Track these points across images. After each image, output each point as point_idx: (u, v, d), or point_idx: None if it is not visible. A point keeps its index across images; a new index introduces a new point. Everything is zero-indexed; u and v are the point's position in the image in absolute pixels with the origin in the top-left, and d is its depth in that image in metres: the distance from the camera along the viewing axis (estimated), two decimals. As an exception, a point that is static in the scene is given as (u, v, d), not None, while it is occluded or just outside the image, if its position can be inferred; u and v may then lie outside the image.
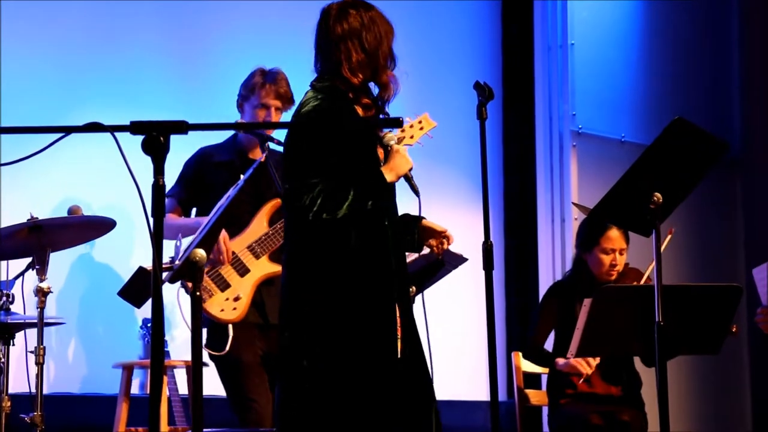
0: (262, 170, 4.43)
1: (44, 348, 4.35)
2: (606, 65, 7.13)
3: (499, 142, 7.14)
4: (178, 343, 5.83)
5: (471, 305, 6.55)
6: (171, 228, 4.72)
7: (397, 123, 2.92)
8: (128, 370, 5.54)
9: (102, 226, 4.61)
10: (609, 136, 7.07)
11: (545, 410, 5.81)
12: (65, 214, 5.06)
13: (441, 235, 3.91)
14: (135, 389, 5.69)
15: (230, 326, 4.57)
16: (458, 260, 4.44)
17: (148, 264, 4.27)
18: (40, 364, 4.34)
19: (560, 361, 5.10)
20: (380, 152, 3.77)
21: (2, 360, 4.41)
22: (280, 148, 4.21)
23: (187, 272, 3.21)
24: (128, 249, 5.90)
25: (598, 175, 6.67)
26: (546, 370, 5.30)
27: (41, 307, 4.33)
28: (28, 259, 4.54)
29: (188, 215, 4.92)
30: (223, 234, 4.54)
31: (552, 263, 6.87)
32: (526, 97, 7.14)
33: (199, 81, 6.25)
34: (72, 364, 5.91)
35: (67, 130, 2.63)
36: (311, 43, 3.84)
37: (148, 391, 2.68)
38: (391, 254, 3.69)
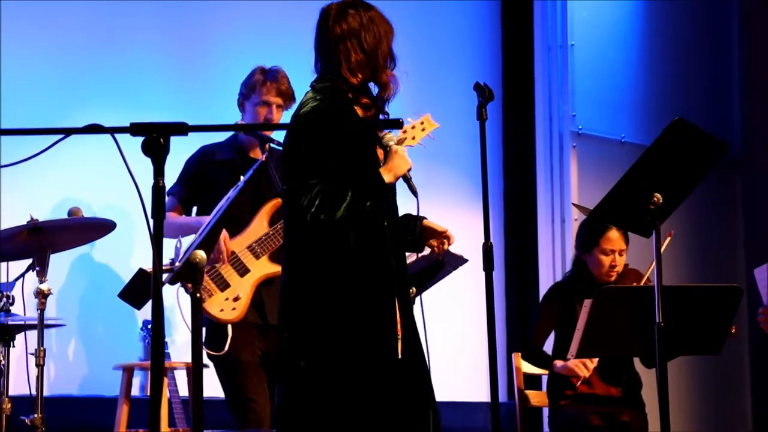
0: (262, 171, 4.43)
1: (44, 350, 4.35)
2: (606, 66, 7.13)
3: (499, 143, 7.14)
4: (179, 344, 5.83)
5: (471, 306, 6.54)
6: (171, 227, 4.72)
7: (397, 124, 2.92)
8: (128, 371, 5.54)
9: (102, 227, 4.61)
10: (609, 137, 7.07)
11: (546, 411, 5.81)
12: (65, 216, 5.06)
13: (442, 236, 3.91)
14: (135, 391, 5.69)
15: (229, 326, 4.57)
16: (458, 261, 4.44)
17: (148, 265, 4.27)
18: (40, 366, 4.34)
19: (558, 363, 5.10)
20: (380, 153, 3.77)
21: (2, 362, 4.41)
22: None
23: (187, 274, 3.21)
24: (128, 250, 5.89)
25: (598, 176, 6.66)
26: (546, 371, 5.30)
27: (41, 308, 4.33)
28: (29, 261, 4.53)
29: (189, 214, 4.92)
30: (224, 234, 4.54)
31: (552, 264, 6.87)
32: (526, 98, 7.14)
33: (199, 81, 6.25)
34: (72, 365, 5.90)
35: (67, 132, 2.63)
36: (311, 44, 3.84)
37: (149, 393, 2.68)
38: (391, 254, 3.69)
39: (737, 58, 7.73)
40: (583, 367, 4.99)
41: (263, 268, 4.65)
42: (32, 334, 4.47)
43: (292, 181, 3.63)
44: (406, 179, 3.72)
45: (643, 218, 4.11)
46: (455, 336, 6.68)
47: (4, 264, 4.66)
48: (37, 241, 4.38)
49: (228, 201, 3.52)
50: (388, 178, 3.67)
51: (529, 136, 7.09)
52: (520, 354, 5.36)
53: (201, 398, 3.21)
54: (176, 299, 4.59)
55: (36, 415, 4.31)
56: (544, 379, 5.54)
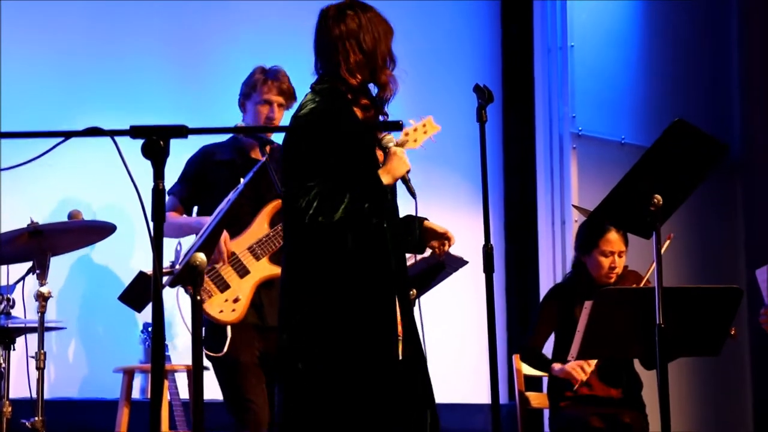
0: (262, 172, 4.43)
1: (45, 353, 4.35)
2: (606, 67, 7.13)
3: (499, 144, 7.14)
4: (179, 347, 5.83)
5: (471, 308, 6.54)
6: (172, 226, 4.73)
7: (397, 126, 2.91)
8: (129, 374, 5.54)
9: (102, 230, 4.61)
10: (609, 138, 7.07)
11: (546, 413, 5.81)
12: (65, 219, 5.06)
13: (443, 237, 3.91)
14: (136, 393, 5.69)
15: (228, 327, 4.56)
16: (459, 263, 4.44)
17: (148, 268, 4.27)
18: (40, 369, 4.34)
19: (556, 366, 5.10)
20: (380, 155, 3.77)
21: (3, 365, 4.41)
22: (284, 148, 4.20)
23: (188, 277, 3.21)
24: (128, 252, 5.90)
25: (598, 177, 6.66)
26: (544, 373, 5.30)
27: (42, 311, 4.33)
28: (29, 264, 4.54)
29: (190, 213, 4.91)
30: (224, 234, 4.54)
31: (552, 266, 6.87)
32: (526, 99, 7.14)
33: (199, 84, 6.25)
34: (73, 368, 5.91)
35: (67, 135, 2.63)
36: (311, 46, 3.84)
37: (149, 396, 2.68)
38: (391, 255, 3.69)
39: (737, 58, 7.73)
40: (580, 371, 4.99)
41: (263, 269, 4.64)
42: (32, 337, 4.47)
43: (291, 183, 3.63)
44: (405, 181, 3.72)
45: (643, 220, 4.11)
46: (456, 337, 6.68)
47: (4, 267, 4.66)
48: (38, 244, 4.38)
49: (228, 203, 3.52)
50: (386, 179, 3.67)
51: (529, 137, 7.09)
52: (519, 355, 5.36)
53: (201, 401, 3.21)
54: (176, 301, 4.58)
55: (36, 418, 4.31)
56: (545, 381, 5.54)
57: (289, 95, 4.84)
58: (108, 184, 5.67)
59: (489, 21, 7.22)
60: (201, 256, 3.19)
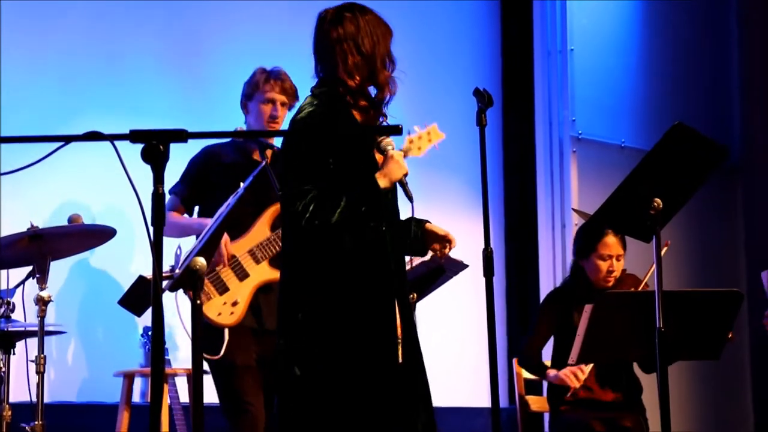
0: (263, 175, 4.42)
1: (45, 357, 4.35)
2: (606, 70, 7.13)
3: (498, 147, 7.14)
4: (180, 351, 5.83)
5: (471, 311, 6.54)
6: (173, 226, 4.73)
7: (397, 130, 2.91)
8: (129, 378, 5.54)
9: (102, 234, 4.61)
10: (609, 142, 7.07)
11: (547, 417, 5.81)
12: (65, 223, 5.06)
13: (444, 239, 3.91)
14: (136, 397, 5.69)
15: (226, 330, 4.56)
16: (459, 266, 4.44)
17: (148, 272, 4.26)
18: (40, 373, 4.34)
19: (551, 373, 5.11)
20: (379, 158, 3.77)
21: (3, 369, 4.41)
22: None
23: (188, 281, 3.21)
24: (128, 256, 5.90)
25: (598, 181, 6.66)
26: (540, 378, 5.30)
27: (42, 315, 4.33)
28: (29, 268, 4.54)
29: (191, 213, 4.91)
30: (225, 236, 4.54)
31: (553, 269, 6.87)
32: (526, 102, 7.14)
33: (198, 88, 6.25)
34: (73, 372, 5.90)
35: (67, 139, 2.63)
36: (311, 49, 3.84)
37: (149, 400, 2.68)
38: (390, 257, 3.69)
39: (737, 59, 7.73)
40: (574, 378, 4.98)
41: (263, 273, 4.64)
42: (32, 341, 4.47)
43: (288, 186, 3.64)
44: (402, 184, 3.71)
45: (643, 223, 4.11)
46: (456, 341, 6.68)
47: (4, 271, 4.66)
48: (38, 248, 4.38)
49: (228, 208, 3.53)
50: (383, 183, 3.67)
51: (529, 140, 7.09)
52: (517, 360, 5.36)
53: (201, 405, 3.21)
54: (175, 305, 4.58)
55: (36, 422, 4.31)
56: (545, 384, 5.54)
57: (292, 94, 4.83)
58: (108, 188, 5.66)
59: (488, 22, 7.22)
60: (201, 260, 3.20)
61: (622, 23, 7.32)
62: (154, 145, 2.55)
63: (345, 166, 3.64)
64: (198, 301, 3.19)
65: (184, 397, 5.54)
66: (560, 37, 6.97)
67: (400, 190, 3.78)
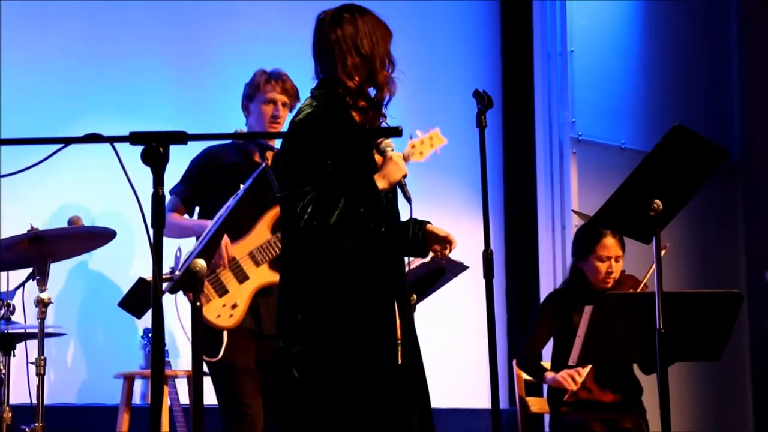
0: (263, 177, 4.42)
1: (45, 359, 4.35)
2: (605, 72, 7.14)
3: (499, 149, 7.14)
4: (180, 352, 5.83)
5: (472, 313, 6.54)
6: (173, 227, 4.73)
7: (396, 132, 2.91)
8: (129, 380, 5.54)
9: (102, 236, 4.61)
10: (609, 143, 7.07)
11: (547, 418, 5.81)
12: (65, 225, 5.06)
13: (445, 240, 3.90)
14: (136, 399, 5.69)
15: (225, 332, 4.56)
16: (459, 268, 4.44)
17: (147, 274, 4.26)
18: (40, 375, 4.33)
19: (548, 375, 5.11)
20: (379, 159, 3.77)
21: (3, 371, 4.41)
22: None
23: (187, 283, 3.21)
24: (128, 258, 5.89)
25: (598, 182, 6.66)
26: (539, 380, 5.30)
27: (42, 317, 4.33)
28: (29, 270, 4.54)
29: (191, 214, 4.91)
30: (225, 238, 4.53)
31: (553, 271, 6.87)
32: (526, 104, 7.14)
33: (199, 90, 6.26)
34: (73, 373, 5.90)
35: (67, 141, 2.63)
36: (311, 51, 3.85)
37: (150, 401, 2.68)
38: (389, 259, 3.69)
39: (737, 59, 7.73)
40: (571, 381, 4.98)
41: (262, 275, 4.64)
42: (32, 343, 4.47)
43: (287, 188, 3.64)
44: (401, 186, 3.71)
45: (643, 225, 4.11)
46: (456, 342, 6.68)
47: (4, 273, 4.66)
48: (38, 250, 4.38)
49: (228, 210, 3.53)
50: (381, 184, 3.67)
51: (529, 142, 7.09)
52: (516, 361, 5.36)
53: (202, 406, 3.21)
54: (175, 308, 4.58)
55: (37, 424, 4.31)
56: (545, 386, 5.53)
57: (293, 95, 4.83)
58: (108, 190, 5.66)
59: (488, 23, 7.22)
60: (201, 262, 3.19)
61: (622, 24, 7.33)
62: (154, 147, 2.55)
63: (344, 167, 3.64)
64: (198, 303, 3.19)
65: (184, 398, 5.54)
66: (560, 38, 6.97)
67: (399, 192, 3.78)
